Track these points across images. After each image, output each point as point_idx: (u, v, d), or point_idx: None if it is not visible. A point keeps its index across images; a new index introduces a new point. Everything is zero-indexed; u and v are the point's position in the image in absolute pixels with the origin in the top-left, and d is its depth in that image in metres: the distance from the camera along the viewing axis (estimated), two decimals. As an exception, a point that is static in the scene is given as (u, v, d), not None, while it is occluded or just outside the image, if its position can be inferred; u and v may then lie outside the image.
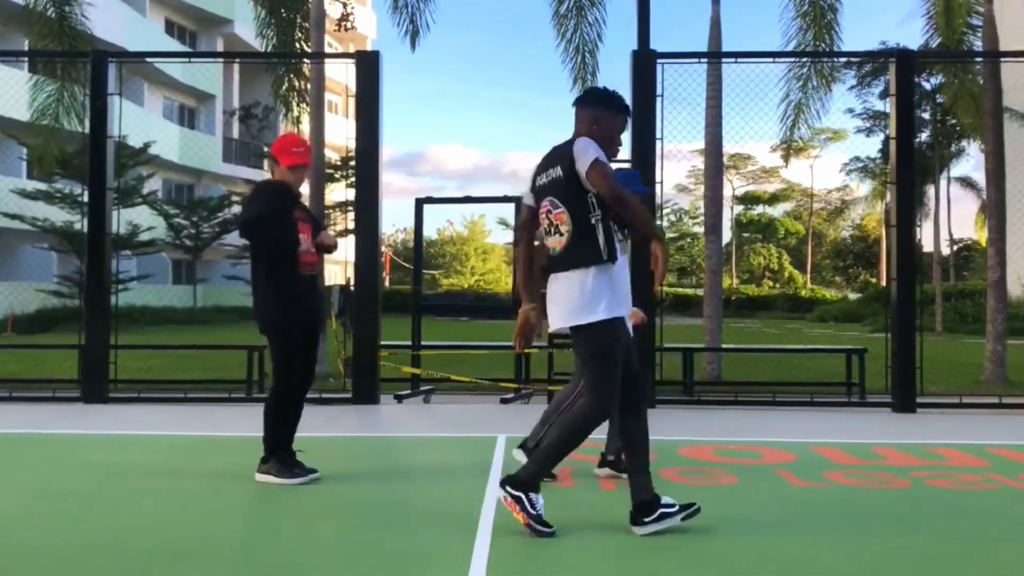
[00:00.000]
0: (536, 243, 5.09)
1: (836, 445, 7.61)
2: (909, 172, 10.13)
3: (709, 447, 7.46)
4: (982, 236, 49.15)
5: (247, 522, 5.09)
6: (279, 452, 5.98)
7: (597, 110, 4.95)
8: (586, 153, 4.69)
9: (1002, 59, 12.82)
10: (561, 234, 4.78)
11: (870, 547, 4.49)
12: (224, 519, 5.09)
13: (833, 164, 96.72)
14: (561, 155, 4.83)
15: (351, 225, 10.85)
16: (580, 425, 4.74)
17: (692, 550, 4.46)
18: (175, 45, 41.48)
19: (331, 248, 6.18)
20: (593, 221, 4.73)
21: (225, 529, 4.88)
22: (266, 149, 40.46)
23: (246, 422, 6.43)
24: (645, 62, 10.22)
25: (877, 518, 5.10)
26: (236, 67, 46.56)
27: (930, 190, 37.64)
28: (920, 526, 4.96)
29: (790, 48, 14.23)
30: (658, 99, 10.17)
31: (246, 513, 5.28)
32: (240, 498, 5.59)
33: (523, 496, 4.65)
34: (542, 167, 4.97)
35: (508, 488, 4.69)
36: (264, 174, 31.29)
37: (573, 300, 4.72)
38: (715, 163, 13.98)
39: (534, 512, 4.63)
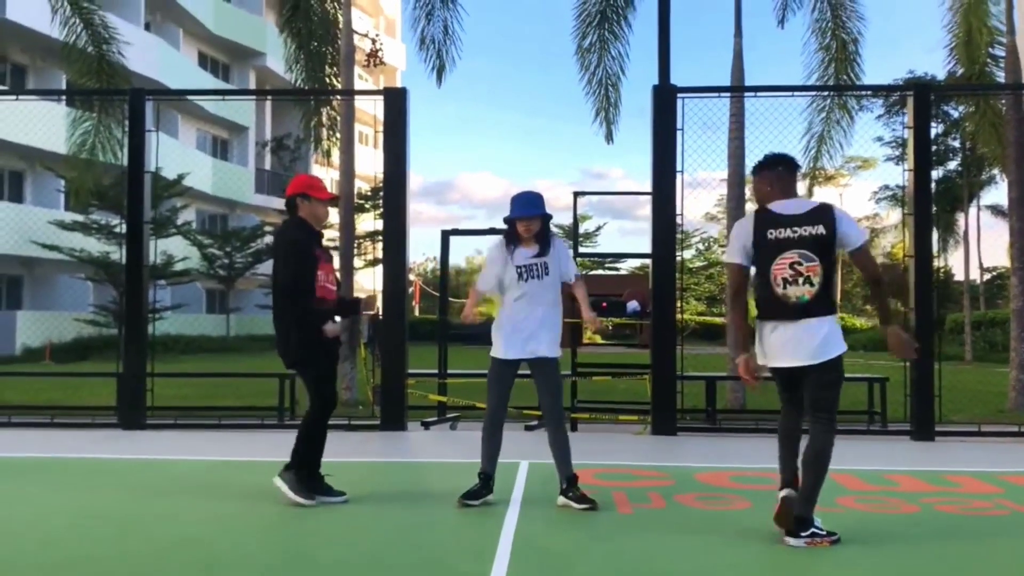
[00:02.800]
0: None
1: (851, 472, 7.74)
2: (927, 204, 10.30)
3: (726, 473, 7.64)
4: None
5: (276, 541, 5.32)
6: (303, 470, 6.25)
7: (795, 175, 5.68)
8: (859, 228, 5.51)
9: (1021, 92, 12.96)
10: (812, 284, 5.29)
11: (872, 568, 4.67)
12: (255, 538, 5.36)
13: (863, 192, 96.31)
14: (821, 214, 5.38)
15: (380, 255, 11.13)
16: (830, 449, 5.33)
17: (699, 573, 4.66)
18: (208, 78, 42.12)
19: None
20: (835, 276, 5.49)
21: (255, 547, 5.14)
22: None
23: (278, 447, 6.69)
24: (666, 96, 10.47)
25: (882, 541, 5.27)
26: (268, 99, 47.12)
27: (960, 218, 37.58)
28: (922, 548, 5.14)
29: (813, 80, 14.48)
30: (679, 133, 10.40)
31: (275, 533, 5.52)
32: (270, 519, 5.83)
33: (815, 530, 5.20)
34: (783, 222, 5.38)
35: (802, 535, 5.18)
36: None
37: (819, 340, 5.27)
38: (738, 194, 14.18)
39: (824, 531, 5.21)
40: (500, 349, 6.31)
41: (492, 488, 6.28)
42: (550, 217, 6.40)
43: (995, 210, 44.28)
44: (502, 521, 5.68)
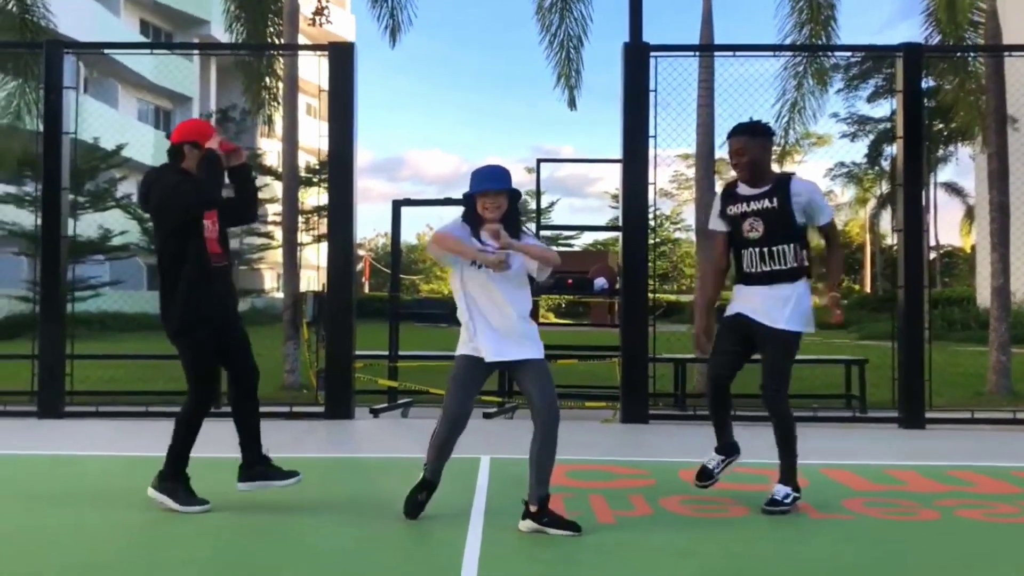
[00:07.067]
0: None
1: (848, 467, 7.02)
2: (917, 173, 9.57)
3: (711, 470, 6.85)
4: (967, 242, 48.91)
5: (202, 559, 4.43)
6: (182, 472, 5.43)
7: None
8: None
9: (1016, 54, 12.26)
10: None
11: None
12: (175, 558, 4.45)
13: (817, 170, 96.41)
14: None
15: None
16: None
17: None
18: (150, 46, 40.72)
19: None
20: None
21: (175, 571, 4.23)
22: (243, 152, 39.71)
23: (210, 439, 5.78)
24: (638, 55, 9.64)
25: (912, 560, 4.51)
26: (213, 69, 45.82)
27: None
28: (963, 571, 4.37)
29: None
30: (651, 94, 9.60)
31: (200, 547, 4.62)
32: (194, 529, 4.94)
33: (792, 493, 5.52)
34: None
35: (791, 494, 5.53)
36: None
37: None
38: (707, 165, 13.39)
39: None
40: (471, 345, 5.09)
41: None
42: (519, 195, 5.19)
43: (950, 188, 44.19)
44: (464, 537, 4.79)
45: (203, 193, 5.32)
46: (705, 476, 5.80)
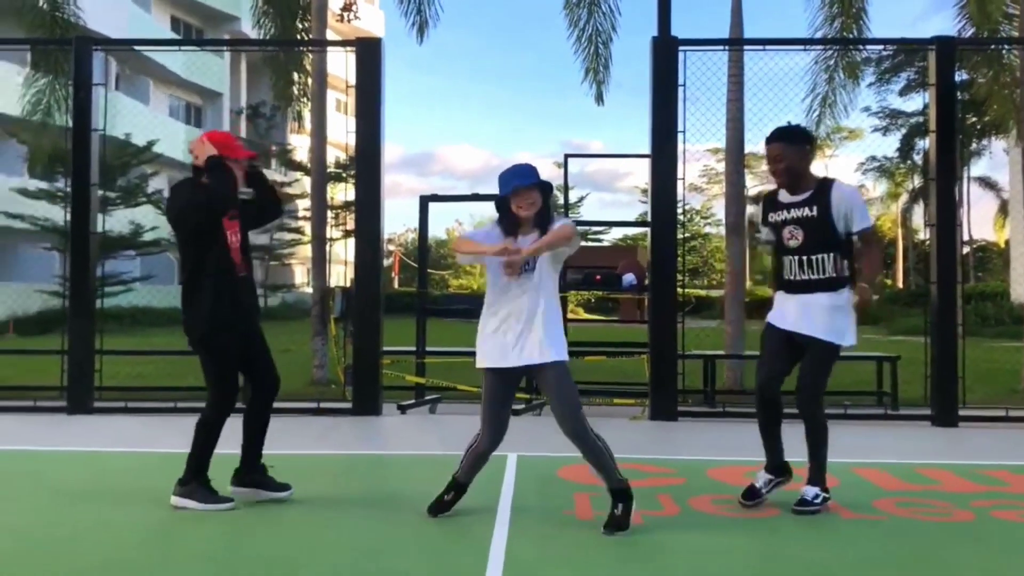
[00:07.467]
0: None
1: (879, 466, 6.92)
2: (950, 167, 9.45)
3: (740, 468, 6.73)
4: (1001, 237, 48.39)
5: (222, 556, 4.41)
6: (202, 475, 5.45)
7: None
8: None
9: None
10: None
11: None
12: (193, 556, 4.43)
13: (848, 164, 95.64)
14: None
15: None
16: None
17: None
18: (181, 43, 40.96)
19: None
20: None
21: (193, 569, 4.22)
22: (273, 148, 39.83)
23: (235, 435, 5.77)
24: (666, 49, 9.55)
25: (946, 562, 4.43)
26: (243, 65, 46.01)
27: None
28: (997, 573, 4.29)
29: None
30: (680, 89, 9.51)
31: (220, 544, 4.61)
32: (214, 526, 4.94)
33: (821, 493, 5.42)
34: None
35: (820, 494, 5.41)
36: (267, 172, 30.58)
37: None
38: (736, 160, 13.29)
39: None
40: (484, 355, 5.08)
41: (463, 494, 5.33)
42: (550, 188, 5.09)
43: (984, 182, 43.69)
44: (490, 537, 4.76)
45: (214, 194, 5.33)
46: (752, 495, 5.60)
